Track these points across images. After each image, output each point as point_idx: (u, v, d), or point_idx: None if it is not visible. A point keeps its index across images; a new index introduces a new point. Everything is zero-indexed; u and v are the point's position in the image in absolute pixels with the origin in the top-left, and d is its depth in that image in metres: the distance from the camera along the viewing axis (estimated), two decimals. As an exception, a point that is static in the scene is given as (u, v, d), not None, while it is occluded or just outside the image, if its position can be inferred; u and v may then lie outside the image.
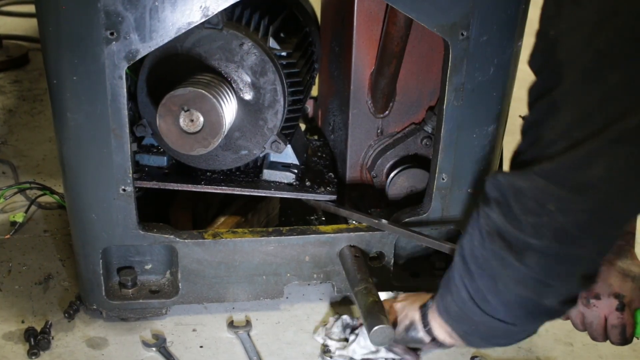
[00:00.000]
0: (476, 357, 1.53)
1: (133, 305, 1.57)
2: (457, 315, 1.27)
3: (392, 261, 1.64)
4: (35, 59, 3.22)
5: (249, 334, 1.57)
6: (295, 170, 1.66)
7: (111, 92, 1.34)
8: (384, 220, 1.58)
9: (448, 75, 1.43)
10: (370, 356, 1.47)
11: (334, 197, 1.67)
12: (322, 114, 2.03)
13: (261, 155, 1.64)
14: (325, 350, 1.51)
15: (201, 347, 1.54)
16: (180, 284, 1.57)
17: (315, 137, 2.02)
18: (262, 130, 1.56)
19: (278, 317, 1.64)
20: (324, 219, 1.84)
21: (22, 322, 1.58)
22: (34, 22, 2.34)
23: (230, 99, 1.45)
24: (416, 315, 1.38)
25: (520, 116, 2.05)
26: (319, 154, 1.87)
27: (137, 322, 1.59)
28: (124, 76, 1.33)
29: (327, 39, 1.87)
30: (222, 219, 1.72)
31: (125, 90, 1.35)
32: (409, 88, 1.69)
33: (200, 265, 1.55)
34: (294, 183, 1.65)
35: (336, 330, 1.54)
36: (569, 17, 1.04)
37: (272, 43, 1.54)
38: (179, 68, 1.48)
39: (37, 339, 1.50)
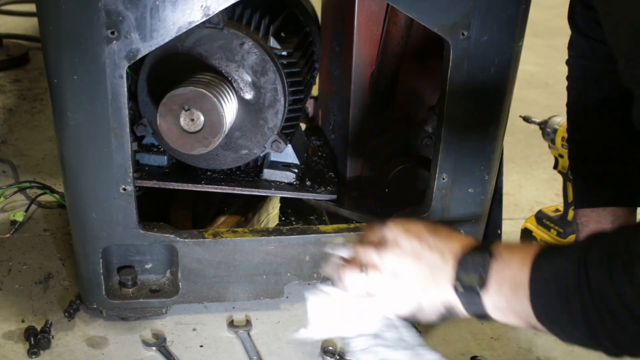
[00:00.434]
0: (476, 357, 1.53)
1: (133, 305, 1.57)
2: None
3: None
4: (36, 58, 3.21)
5: (249, 334, 1.57)
6: (296, 170, 1.66)
7: (112, 91, 1.34)
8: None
9: (448, 75, 1.43)
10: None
11: (334, 196, 1.67)
12: (322, 113, 2.04)
13: (261, 155, 1.64)
14: (326, 350, 1.51)
15: (201, 346, 1.54)
16: (180, 284, 1.57)
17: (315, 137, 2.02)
18: (263, 130, 1.56)
19: (278, 316, 1.64)
20: (324, 218, 1.84)
21: (22, 321, 1.58)
22: (34, 21, 2.35)
23: (230, 98, 1.45)
24: (451, 299, 1.00)
25: (520, 116, 2.06)
26: (319, 154, 1.87)
27: (137, 322, 1.59)
28: (124, 75, 1.33)
29: (328, 38, 1.87)
30: (222, 219, 1.72)
31: (125, 89, 1.34)
32: (409, 88, 1.69)
33: (200, 264, 1.55)
34: (295, 182, 1.65)
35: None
36: None
37: (272, 42, 1.54)
38: (180, 67, 1.48)
39: (37, 338, 1.50)
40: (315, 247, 1.58)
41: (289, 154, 1.67)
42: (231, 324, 1.59)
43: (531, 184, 2.36)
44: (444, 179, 1.55)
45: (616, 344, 0.88)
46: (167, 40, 1.32)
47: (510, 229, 2.00)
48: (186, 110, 1.38)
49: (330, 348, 1.52)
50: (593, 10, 1.26)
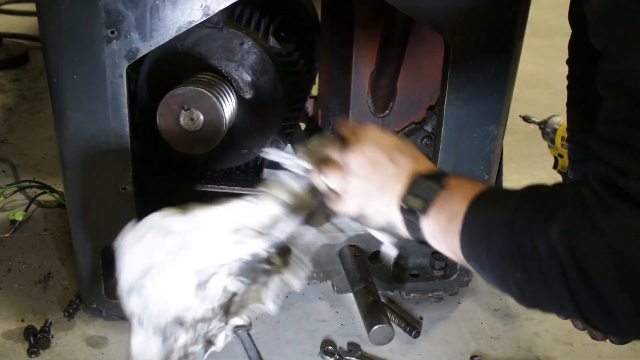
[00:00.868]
0: (476, 356, 1.53)
1: (133, 304, 1.56)
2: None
3: (392, 261, 1.64)
4: (35, 58, 3.21)
5: (248, 333, 1.57)
6: (296, 170, 1.66)
7: (111, 90, 1.34)
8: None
9: (448, 75, 1.43)
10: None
11: (334, 196, 1.67)
12: (322, 113, 2.03)
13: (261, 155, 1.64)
14: (326, 350, 1.51)
15: (201, 346, 1.54)
16: (180, 283, 1.57)
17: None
18: (263, 130, 1.56)
19: (278, 316, 1.63)
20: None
21: (22, 320, 1.57)
22: (34, 20, 2.34)
23: (230, 98, 1.45)
24: (393, 215, 1.03)
25: (520, 116, 2.06)
26: (319, 154, 1.87)
27: (137, 321, 1.59)
28: (124, 75, 1.33)
29: (328, 38, 1.87)
30: (222, 218, 1.72)
31: (125, 89, 1.34)
32: (409, 88, 1.69)
33: (200, 264, 1.55)
34: (294, 182, 1.65)
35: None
36: None
37: (272, 42, 1.54)
38: (180, 67, 1.48)
39: (36, 338, 1.50)
40: (319, 248, 1.58)
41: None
42: (231, 324, 1.59)
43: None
44: (443, 178, 1.55)
45: (523, 292, 0.88)
46: (167, 39, 1.32)
47: (510, 229, 2.00)
48: (186, 110, 1.38)
49: (330, 348, 1.52)
50: None
